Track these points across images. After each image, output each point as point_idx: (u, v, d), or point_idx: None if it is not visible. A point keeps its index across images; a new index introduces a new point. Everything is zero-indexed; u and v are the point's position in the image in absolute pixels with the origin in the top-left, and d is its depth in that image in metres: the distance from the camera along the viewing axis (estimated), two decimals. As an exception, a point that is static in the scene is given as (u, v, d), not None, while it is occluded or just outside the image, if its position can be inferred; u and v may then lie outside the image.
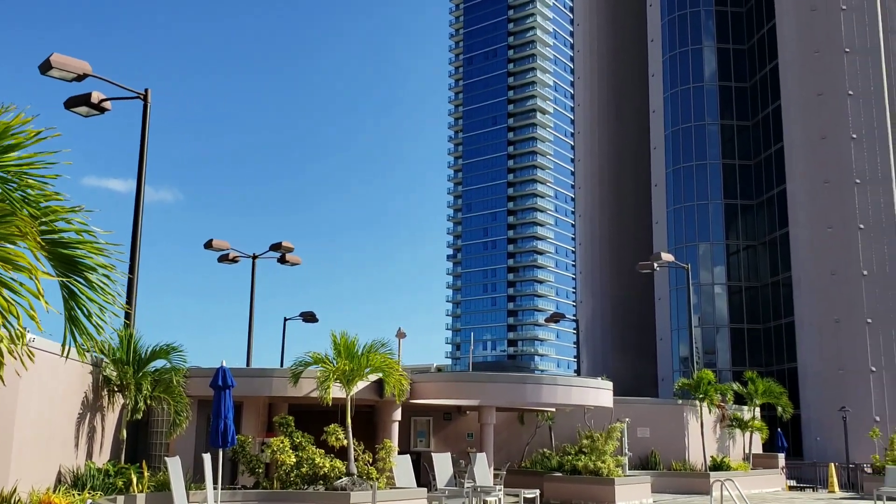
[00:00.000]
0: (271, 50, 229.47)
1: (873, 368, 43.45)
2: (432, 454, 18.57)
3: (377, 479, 14.67)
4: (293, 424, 15.34)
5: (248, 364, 25.20)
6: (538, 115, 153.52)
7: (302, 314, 33.56)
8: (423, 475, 19.84)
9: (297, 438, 14.86)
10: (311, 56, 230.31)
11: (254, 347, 26.09)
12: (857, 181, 45.80)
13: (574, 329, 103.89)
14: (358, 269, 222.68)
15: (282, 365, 29.67)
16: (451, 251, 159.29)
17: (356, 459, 14.89)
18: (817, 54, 47.87)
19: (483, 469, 18.69)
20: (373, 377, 16.63)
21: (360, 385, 16.12)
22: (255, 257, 26.54)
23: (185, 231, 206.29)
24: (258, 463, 14.97)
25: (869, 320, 44.05)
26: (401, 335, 18.43)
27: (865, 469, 26.44)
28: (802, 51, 48.51)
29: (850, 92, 46.80)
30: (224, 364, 13.59)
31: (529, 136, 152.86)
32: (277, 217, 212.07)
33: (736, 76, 54.49)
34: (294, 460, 14.36)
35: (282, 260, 26.48)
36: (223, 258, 26.32)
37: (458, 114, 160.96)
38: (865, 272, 44.60)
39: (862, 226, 45.23)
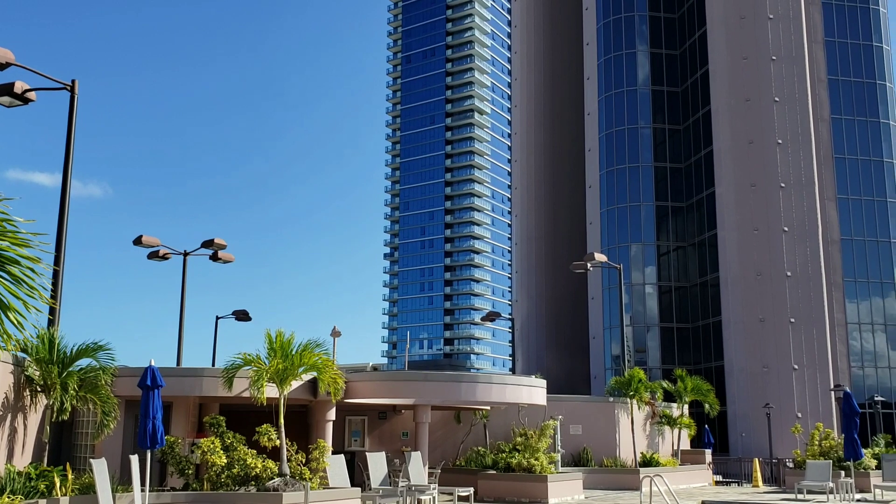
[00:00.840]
0: (206, 44, 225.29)
1: (796, 366, 45.02)
2: (367, 453, 18.51)
3: (310, 479, 14.55)
4: (224, 425, 15.10)
5: (178, 363, 24.68)
6: (476, 115, 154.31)
7: (234, 313, 33.04)
8: (358, 475, 19.77)
9: (229, 439, 14.64)
10: (247, 52, 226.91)
11: (184, 347, 25.56)
12: (782, 185, 47.38)
13: (510, 328, 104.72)
14: (294, 268, 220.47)
15: (213, 364, 29.18)
16: (388, 250, 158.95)
17: (289, 460, 14.75)
18: (745, 61, 49.35)
19: (418, 468, 18.71)
20: (307, 376, 16.49)
21: (295, 384, 15.97)
22: (186, 254, 26.00)
23: (114, 227, 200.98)
24: (188, 464, 14.68)
25: (792, 319, 45.63)
26: (336, 334, 18.33)
27: (788, 464, 27.32)
28: (731, 57, 49.93)
29: (776, 98, 48.40)
30: (152, 363, 13.31)
31: (467, 136, 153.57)
32: (212, 215, 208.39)
33: (668, 81, 55.76)
34: (225, 461, 14.14)
35: (214, 257, 26.00)
36: (153, 255, 25.70)
37: (395, 112, 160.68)
38: (789, 273, 46.18)
39: (786, 228, 46.82)
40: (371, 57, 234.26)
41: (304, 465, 14.91)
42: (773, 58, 48.90)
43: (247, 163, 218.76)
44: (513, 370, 49.51)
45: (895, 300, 49.13)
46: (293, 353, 14.90)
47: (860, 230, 49.40)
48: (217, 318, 34.69)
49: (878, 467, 23.64)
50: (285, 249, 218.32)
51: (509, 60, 77.21)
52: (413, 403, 20.37)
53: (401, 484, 18.01)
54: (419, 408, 20.30)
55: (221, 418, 15.26)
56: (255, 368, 14.81)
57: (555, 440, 22.26)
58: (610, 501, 20.10)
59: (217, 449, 14.21)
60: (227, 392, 15.72)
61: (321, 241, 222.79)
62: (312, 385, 17.27)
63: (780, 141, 47.86)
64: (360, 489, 15.90)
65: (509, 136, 74.97)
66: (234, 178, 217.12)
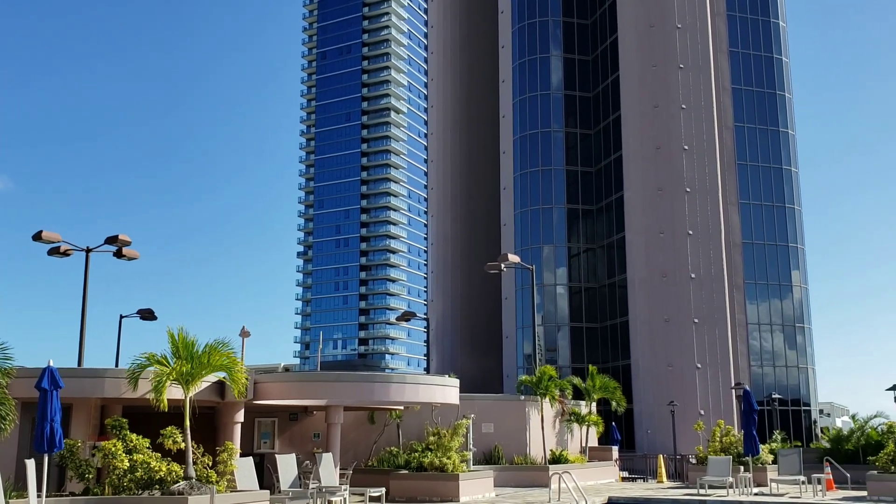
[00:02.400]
0: (122, 40, 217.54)
1: (699, 365, 46.63)
2: (276, 455, 18.23)
3: (217, 482, 14.23)
4: (127, 427, 14.61)
5: (79, 364, 23.73)
6: (392, 114, 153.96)
7: (139, 312, 32.01)
8: (268, 477, 19.44)
9: (132, 442, 14.17)
10: (162, 49, 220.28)
11: (86, 347, 24.57)
12: (688, 190, 48.99)
13: (425, 328, 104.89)
14: (203, 267, 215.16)
15: (117, 365, 28.19)
16: (302, 249, 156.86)
17: (195, 463, 14.38)
18: (654, 68, 50.82)
19: (329, 469, 18.54)
20: (214, 378, 16.10)
21: (201, 386, 15.58)
22: (88, 250, 25.02)
23: (14, 222, 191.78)
24: (88, 468, 14.15)
25: (696, 320, 47.24)
26: (245, 334, 17.97)
27: (691, 459, 28.21)
28: (641, 64, 51.34)
29: (683, 105, 50.01)
30: (51, 364, 12.80)
31: (383, 135, 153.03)
32: (119, 213, 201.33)
33: (580, 85, 56.92)
34: (127, 465, 13.69)
35: (118, 254, 25.11)
36: (53, 251, 24.62)
37: (310, 108, 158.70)
38: (693, 275, 47.79)
39: (691, 231, 48.43)
40: (286, 53, 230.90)
41: (210, 468, 14.57)
42: (681, 66, 50.52)
43: (157, 159, 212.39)
44: (427, 370, 49.65)
45: (792, 302, 51.47)
46: (199, 353, 14.53)
47: (760, 234, 51.53)
48: (121, 316, 33.55)
49: (774, 462, 24.64)
50: (195, 247, 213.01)
51: (426, 60, 77.37)
52: (325, 404, 20.17)
53: (311, 486, 17.82)
54: (331, 409, 20.11)
55: (124, 420, 14.77)
56: (157, 370, 14.37)
57: (467, 439, 22.42)
58: (520, 499, 20.35)
59: (119, 452, 13.75)
60: (130, 393, 15.22)
61: (232, 240, 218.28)
62: (220, 386, 16.88)
63: (686, 147, 49.47)
64: (269, 492, 15.64)
65: (426, 136, 75.08)
66: (144, 175, 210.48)
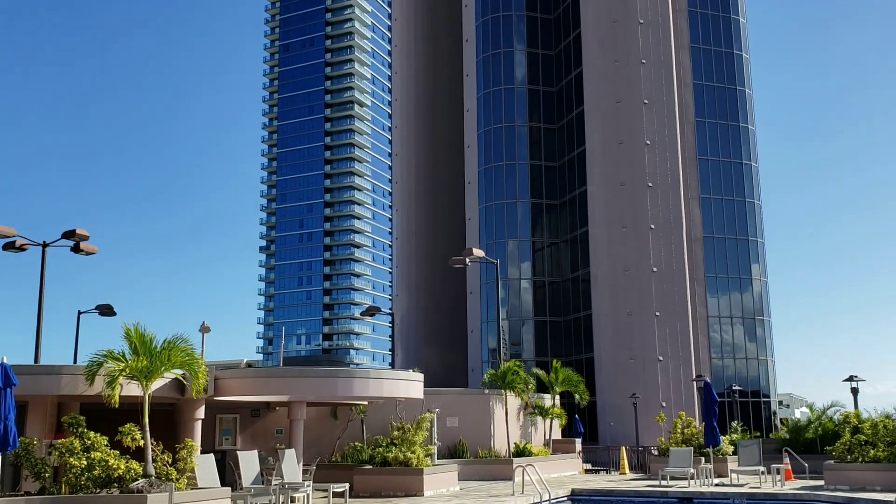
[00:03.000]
0: (75, 32, 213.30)
1: (661, 358, 47.14)
2: (238, 452, 18.02)
3: (177, 479, 14.00)
4: (85, 425, 14.31)
5: (36, 361, 23.22)
6: (356, 107, 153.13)
7: (98, 307, 31.44)
8: (229, 474, 19.20)
9: (89, 439, 13.88)
10: (120, 41, 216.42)
11: (43, 343, 24.08)
12: (650, 184, 49.44)
13: (390, 322, 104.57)
14: (164, 262, 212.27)
15: (75, 361, 27.65)
16: (264, 243, 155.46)
17: (154, 460, 14.14)
18: (617, 64, 51.16)
19: (291, 465, 18.37)
20: (172, 374, 15.84)
21: (160, 382, 15.32)
22: (45, 245, 24.48)
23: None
24: (44, 467, 13.83)
25: (657, 313, 47.74)
26: (205, 329, 17.67)
27: (653, 451, 28.48)
28: (604, 60, 51.65)
29: (646, 101, 50.42)
30: (4, 360, 12.48)
31: (347, 129, 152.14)
32: (78, 208, 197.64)
33: (544, 80, 57.11)
34: (85, 463, 13.41)
35: (76, 249, 24.61)
36: (9, 246, 24.08)
37: (273, 101, 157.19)
38: (655, 269, 48.28)
39: (653, 226, 48.91)
40: (248, 46, 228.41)
41: (170, 466, 14.33)
42: (643, 61, 50.92)
43: (119, 156, 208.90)
44: (392, 365, 49.54)
45: (752, 295, 52.27)
46: (157, 350, 14.28)
47: (721, 228, 52.22)
48: (79, 312, 32.93)
49: (734, 453, 25.00)
50: (156, 241, 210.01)
51: (390, 53, 77.04)
52: (288, 400, 19.97)
53: (274, 482, 17.64)
54: (294, 404, 19.92)
55: (81, 418, 14.46)
56: (113, 367, 14.09)
57: (431, 433, 22.39)
58: (484, 492, 20.38)
59: (76, 450, 13.46)
60: (87, 390, 14.91)
61: (193, 234, 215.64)
62: (180, 383, 16.62)
63: (648, 142, 49.91)
64: (230, 489, 15.45)
65: (390, 129, 74.79)
66: (103, 167, 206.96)
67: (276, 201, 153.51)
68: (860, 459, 20.41)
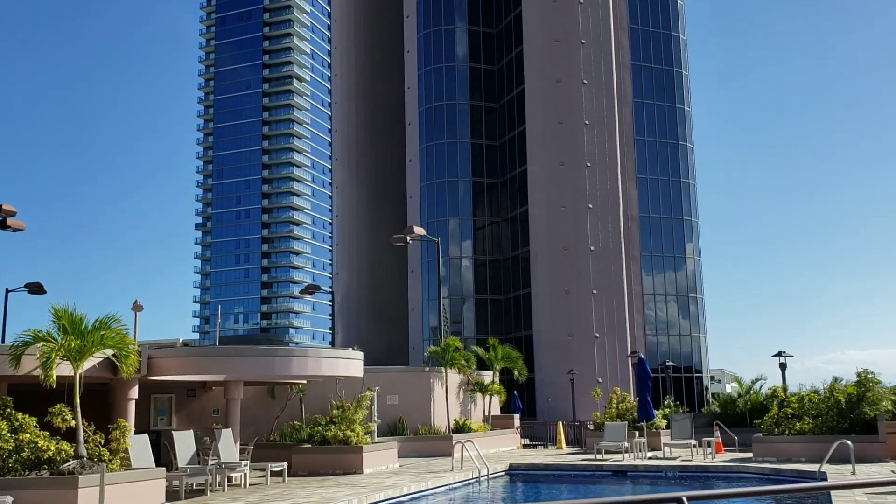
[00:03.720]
0: (16, 11, 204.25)
1: (597, 335, 47.95)
2: (173, 432, 17.74)
3: (109, 460, 13.71)
4: (12, 405, 13.89)
5: (-41, 341, 22.41)
6: (295, 82, 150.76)
7: (27, 285, 30.44)
8: (165, 454, 18.91)
9: (17, 420, 13.48)
10: (53, 21, 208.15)
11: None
12: (588, 164, 49.98)
13: (330, 301, 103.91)
14: (97, 238, 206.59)
15: (3, 341, 26.77)
16: (200, 220, 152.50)
17: (86, 441, 13.81)
18: (557, 43, 51.37)
19: (228, 445, 18.19)
20: (104, 354, 15.46)
21: (92, 362, 14.94)
22: (-32, 222, 23.50)
23: None
24: (-31, 450, 13.37)
25: (594, 291, 48.48)
26: (137, 308, 17.28)
27: (589, 426, 29.03)
28: (544, 39, 51.81)
29: (585, 81, 50.81)
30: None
31: (286, 104, 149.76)
32: (5, 181, 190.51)
33: (485, 58, 57.05)
34: (13, 445, 13.02)
35: (3, 225, 23.71)
36: (-71, 222, 23.03)
37: (209, 75, 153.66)
38: (593, 248, 48.96)
39: (591, 205, 49.51)
40: (183, 17, 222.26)
41: (103, 447, 14.03)
42: (583, 41, 51.25)
43: (51, 133, 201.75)
44: (332, 343, 49.29)
45: (686, 273, 53.47)
46: (89, 330, 13.89)
47: (657, 208, 53.18)
48: (7, 291, 31.83)
49: (667, 427, 25.64)
50: (88, 217, 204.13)
51: (329, 28, 75.87)
52: (224, 380, 19.71)
53: (210, 462, 17.45)
54: (231, 384, 19.67)
55: (9, 399, 14.04)
56: (45, 347, 13.67)
57: (371, 411, 22.40)
58: (423, 468, 20.51)
59: (3, 432, 13.06)
60: (14, 371, 14.45)
61: (126, 212, 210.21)
62: (112, 363, 16.24)
63: (587, 122, 50.38)
64: (165, 469, 15.21)
65: (330, 105, 73.82)
66: (34, 144, 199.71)
67: (213, 177, 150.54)
68: (787, 432, 21.16)
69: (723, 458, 22.05)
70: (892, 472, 18.10)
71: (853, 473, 17.35)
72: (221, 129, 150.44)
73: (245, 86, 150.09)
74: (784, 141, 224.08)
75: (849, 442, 18.04)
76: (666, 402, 29.94)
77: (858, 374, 21.55)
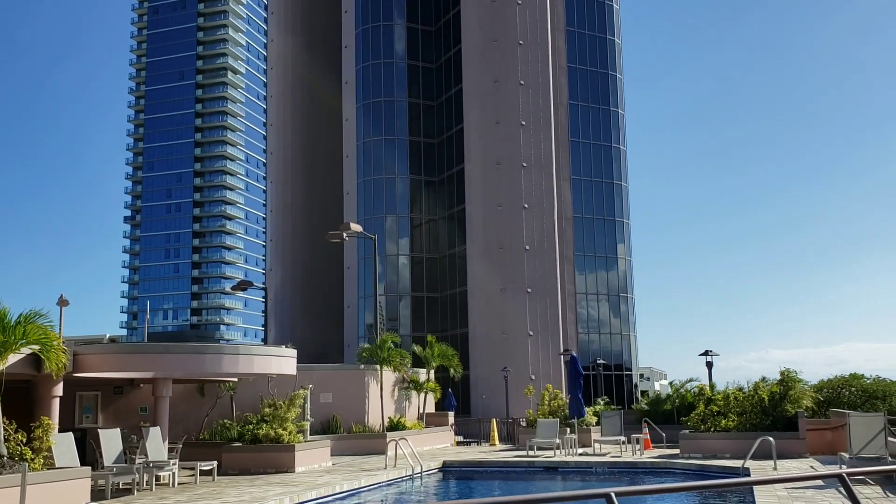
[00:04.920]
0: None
1: (531, 332, 48.49)
2: (99, 430, 17.26)
3: (31, 459, 13.26)
4: (-73, 404, 13.30)
5: None
6: (229, 74, 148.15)
7: (-56, 279, 29.20)
8: (90, 453, 18.37)
9: (-68, 420, 12.92)
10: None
11: None
12: (524, 164, 50.48)
13: (263, 297, 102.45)
14: (22, 232, 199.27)
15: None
16: (129, 213, 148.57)
17: (7, 440, 13.32)
18: (495, 43, 51.72)
19: (156, 443, 17.79)
20: (27, 350, 14.95)
21: (14, 358, 14.42)
22: None
23: None
24: None
25: (529, 290, 49.01)
26: (63, 303, 16.75)
27: (521, 423, 29.31)
28: (482, 39, 52.09)
29: (522, 82, 51.28)
30: None
31: (220, 96, 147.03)
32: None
33: (424, 56, 57.05)
34: (-73, 446, 12.48)
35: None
36: None
37: (140, 65, 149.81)
38: (528, 247, 49.48)
39: (526, 205, 50.02)
40: (114, 5, 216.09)
41: (25, 445, 13.56)
42: (521, 42, 51.70)
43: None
44: (265, 341, 48.62)
45: (617, 273, 54.51)
46: (11, 324, 13.41)
47: (590, 209, 54.06)
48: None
49: (598, 424, 26.07)
50: (10, 209, 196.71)
51: (266, 21, 74.73)
52: (152, 377, 19.26)
53: (138, 461, 17.05)
54: (159, 381, 19.24)
55: (-77, 397, 13.43)
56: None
57: (304, 409, 22.19)
58: (356, 466, 20.42)
59: (-84, 433, 12.50)
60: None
61: (53, 204, 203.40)
62: (36, 358, 15.70)
63: (523, 122, 50.86)
64: (90, 468, 14.78)
65: (266, 98, 72.80)
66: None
67: (143, 170, 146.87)
68: (712, 429, 21.74)
69: (651, 455, 22.54)
70: (811, 467, 18.80)
71: (775, 469, 17.94)
72: (153, 120, 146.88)
73: (178, 77, 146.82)
74: (714, 145, 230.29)
75: (771, 438, 18.65)
76: (598, 400, 30.44)
77: (781, 373, 22.28)
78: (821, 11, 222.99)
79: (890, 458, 16.38)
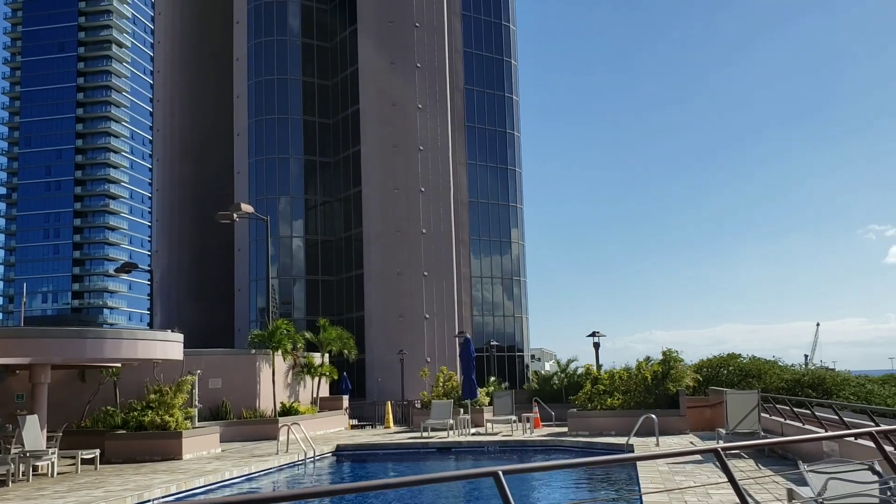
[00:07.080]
0: None
1: (427, 315, 48.79)
2: (-31, 421, 16.29)
3: None
4: None
5: None
6: (114, 47, 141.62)
7: None
8: (-42, 445, 17.30)
9: None
10: None
11: None
12: (421, 148, 50.54)
13: (149, 280, 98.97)
14: None
15: None
16: (4, 190, 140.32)
17: None
18: (391, 24, 51.41)
19: (34, 432, 16.94)
20: None
21: None
22: None
23: None
24: None
25: (425, 273, 49.26)
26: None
27: (416, 405, 29.48)
28: (378, 19, 51.69)
29: (419, 64, 51.23)
30: None
31: (103, 70, 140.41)
32: None
33: (318, 35, 56.10)
34: None
35: None
36: None
37: (16, 34, 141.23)
38: (424, 230, 49.66)
39: (423, 189, 50.15)
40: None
41: None
42: (417, 24, 51.58)
43: None
44: (151, 325, 46.99)
45: (511, 257, 55.44)
46: None
47: (485, 193, 54.68)
48: None
49: (490, 404, 26.52)
50: None
51: (154, -7, 71.75)
52: (29, 363, 18.30)
53: (13, 451, 16.21)
54: (36, 367, 18.29)
55: None
56: None
57: (192, 395, 21.59)
58: (247, 452, 20.06)
59: None
60: None
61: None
62: None
63: (420, 106, 50.85)
64: (-42, 462, 13.93)
65: (152, 73, 69.93)
66: None
67: (19, 145, 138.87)
68: (599, 407, 22.49)
69: (540, 433, 23.11)
70: (691, 443, 19.71)
71: (657, 445, 18.72)
72: (30, 93, 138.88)
73: (57, 48, 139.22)
74: (604, 135, 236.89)
75: (654, 416, 19.44)
76: (490, 381, 30.94)
77: (663, 353, 23.22)
78: (710, 5, 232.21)
79: (762, 433, 17.37)
